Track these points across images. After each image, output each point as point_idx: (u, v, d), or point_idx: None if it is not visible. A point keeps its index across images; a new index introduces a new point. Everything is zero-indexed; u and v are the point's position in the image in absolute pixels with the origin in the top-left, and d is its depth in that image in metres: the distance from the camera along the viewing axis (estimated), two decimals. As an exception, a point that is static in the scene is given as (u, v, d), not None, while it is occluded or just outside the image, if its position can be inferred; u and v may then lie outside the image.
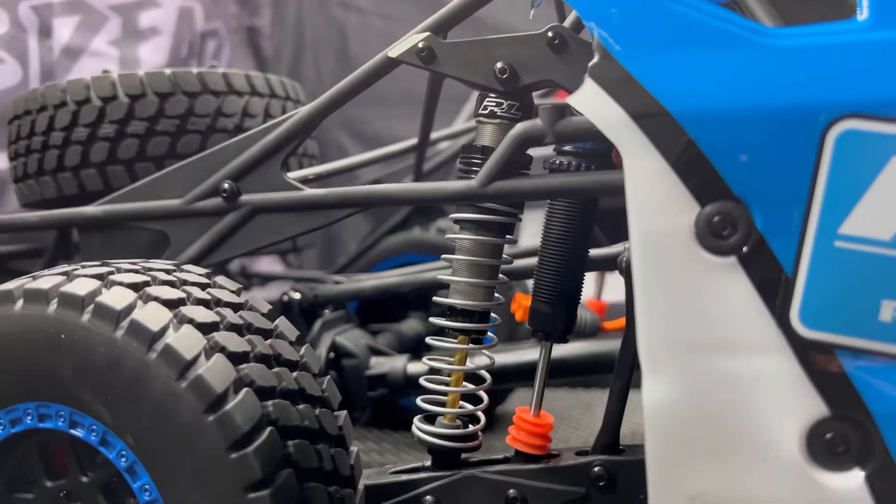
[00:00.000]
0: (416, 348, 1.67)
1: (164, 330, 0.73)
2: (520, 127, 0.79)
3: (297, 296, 1.34)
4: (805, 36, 0.68)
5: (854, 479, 0.66)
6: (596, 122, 0.71)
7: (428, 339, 0.92)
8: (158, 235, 1.06)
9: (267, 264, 2.15)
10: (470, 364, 0.92)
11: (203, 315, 0.76)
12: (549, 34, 0.84)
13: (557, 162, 0.86)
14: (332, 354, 1.30)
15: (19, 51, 1.67)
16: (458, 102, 1.97)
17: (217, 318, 0.77)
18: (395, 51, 0.90)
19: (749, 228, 0.67)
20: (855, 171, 0.64)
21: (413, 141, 1.36)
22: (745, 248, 0.67)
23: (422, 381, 0.93)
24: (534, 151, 0.88)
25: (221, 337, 0.75)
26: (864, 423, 0.66)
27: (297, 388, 0.78)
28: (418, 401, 0.92)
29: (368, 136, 2.47)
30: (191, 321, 0.75)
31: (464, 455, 0.93)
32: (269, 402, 0.74)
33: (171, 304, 0.76)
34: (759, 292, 0.67)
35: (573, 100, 0.72)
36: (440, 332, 0.92)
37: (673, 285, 0.69)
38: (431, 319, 0.92)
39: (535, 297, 0.90)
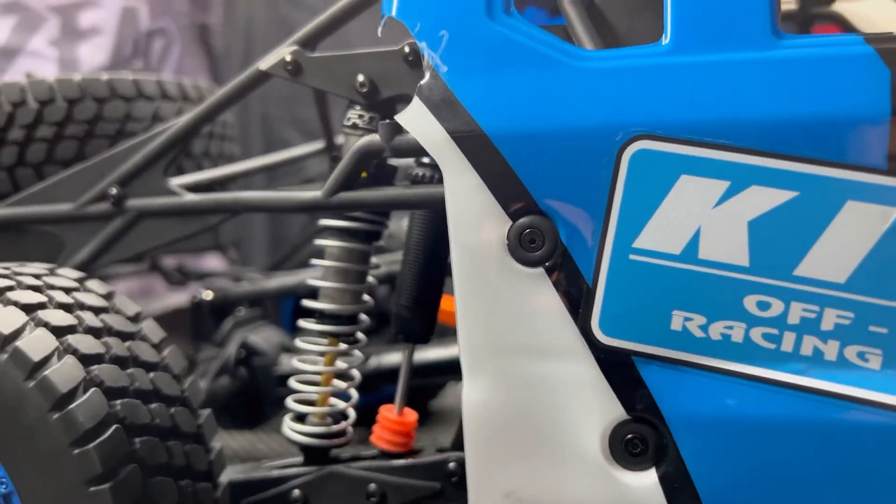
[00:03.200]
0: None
1: (16, 333, 0.77)
2: (361, 141, 0.83)
3: (208, 296, 1.39)
4: (612, 59, 0.72)
5: (650, 478, 0.71)
6: (419, 139, 0.75)
7: (297, 341, 0.97)
8: (58, 239, 1.10)
9: (213, 261, 2.19)
10: (341, 364, 0.97)
11: (60, 318, 0.80)
12: (405, 50, 0.87)
13: (414, 173, 0.90)
14: (242, 352, 1.35)
15: (-46, 52, 1.70)
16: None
17: (74, 322, 0.81)
18: (265, 63, 0.94)
19: (555, 242, 0.71)
20: (648, 188, 0.68)
21: (319, 144, 1.39)
22: (550, 261, 0.71)
23: (291, 381, 0.97)
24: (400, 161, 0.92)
25: (75, 339, 0.79)
26: (659, 425, 0.70)
27: (152, 388, 0.83)
28: (287, 401, 0.96)
29: (317, 134, 2.50)
30: (46, 324, 0.79)
31: (335, 451, 0.97)
32: (119, 402, 0.78)
33: (28, 309, 0.80)
34: (563, 301, 0.71)
35: (401, 117, 0.76)
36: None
37: (488, 294, 0.73)
38: (300, 322, 0.96)
39: (396, 302, 0.94)
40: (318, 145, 1.41)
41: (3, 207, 1.10)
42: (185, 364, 0.90)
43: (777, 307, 0.67)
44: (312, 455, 0.96)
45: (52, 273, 0.89)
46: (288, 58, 0.92)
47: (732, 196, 0.66)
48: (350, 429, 0.97)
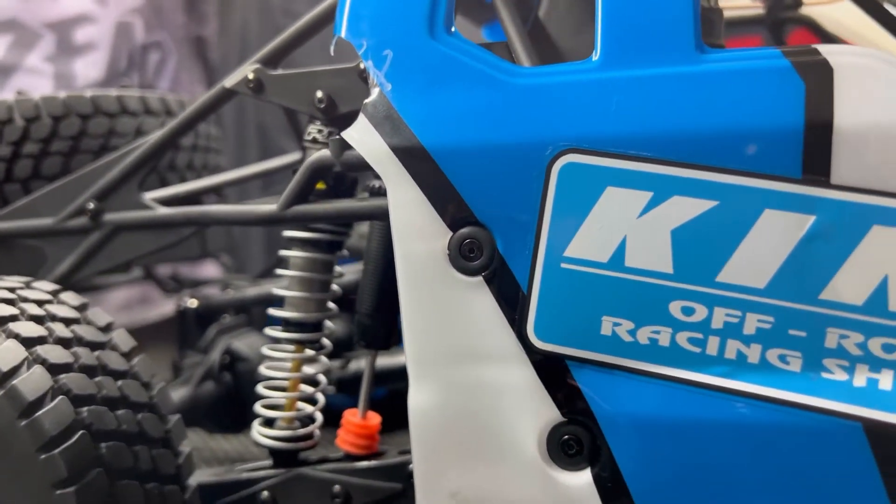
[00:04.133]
0: (336, 348, 1.74)
1: None
2: (313, 157, 0.86)
3: (192, 304, 1.43)
4: (545, 75, 0.75)
5: (585, 478, 0.74)
6: (364, 155, 0.78)
7: (263, 349, 1.00)
8: (41, 252, 1.14)
9: (211, 269, 2.23)
10: (308, 370, 1.00)
11: (30, 330, 0.85)
12: (361, 66, 0.91)
13: (371, 185, 0.93)
14: (227, 358, 1.39)
15: (-49, 71, 1.76)
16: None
17: (45, 333, 0.85)
18: (230, 81, 0.98)
19: (493, 251, 0.74)
20: (576, 199, 0.71)
21: (294, 156, 1.43)
22: (489, 270, 0.74)
23: (259, 388, 1.00)
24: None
25: (44, 350, 0.83)
26: (592, 427, 0.73)
27: (120, 395, 0.86)
28: (256, 406, 1.00)
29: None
30: (16, 336, 0.83)
31: (303, 454, 1.01)
32: (85, 409, 0.82)
33: None
34: (501, 308, 0.75)
35: (347, 134, 0.80)
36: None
37: (431, 302, 0.77)
38: (266, 330, 1.00)
39: (357, 310, 0.98)
40: (290, 158, 1.44)
41: (-11, 222, 1.15)
42: (154, 372, 0.94)
43: (701, 312, 0.69)
44: (281, 458, 0.99)
45: (27, 286, 0.94)
46: (250, 76, 0.96)
47: (655, 206, 0.69)
48: (317, 432, 1.01)
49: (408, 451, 0.98)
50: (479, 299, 0.75)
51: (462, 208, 0.75)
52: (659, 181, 0.69)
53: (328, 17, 0.96)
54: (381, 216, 0.86)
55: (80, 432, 0.80)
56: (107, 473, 0.81)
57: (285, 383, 1.00)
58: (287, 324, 0.98)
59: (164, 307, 2.10)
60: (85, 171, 1.11)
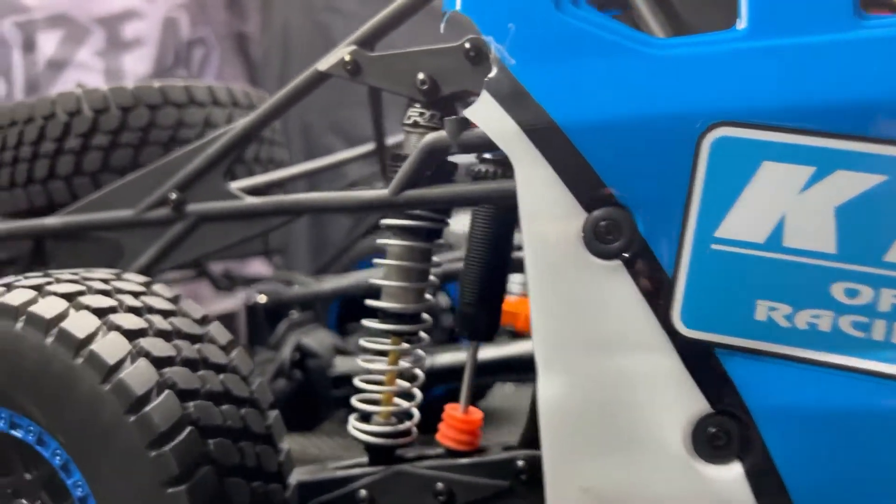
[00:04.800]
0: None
1: (90, 337, 0.78)
2: (428, 138, 0.82)
3: (262, 299, 1.39)
4: (687, 46, 0.70)
5: (734, 471, 0.69)
6: (490, 134, 0.74)
7: (360, 341, 0.96)
8: (117, 245, 1.11)
9: (258, 266, 2.20)
10: (404, 363, 0.96)
11: (131, 322, 0.81)
12: (467, 46, 0.87)
13: (477, 169, 0.89)
14: (297, 355, 1.35)
15: (4, 65, 1.73)
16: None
17: (145, 325, 0.82)
18: (324, 64, 0.94)
19: (633, 233, 0.70)
20: (729, 176, 0.67)
21: (368, 147, 1.40)
22: (628, 252, 0.70)
23: (356, 381, 0.97)
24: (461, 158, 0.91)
25: (147, 343, 0.80)
26: (743, 418, 0.69)
27: (223, 389, 0.83)
28: (353, 400, 0.96)
29: (358, 139, 2.50)
30: (118, 328, 0.79)
31: (400, 451, 0.97)
32: (192, 404, 0.78)
33: (100, 313, 0.81)
34: (642, 294, 0.70)
35: (470, 112, 0.76)
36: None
37: (563, 288, 0.72)
38: (364, 322, 0.96)
39: (460, 300, 0.93)
40: (364, 148, 1.40)
41: (63, 215, 1.11)
42: (252, 366, 0.90)
43: (866, 294, 0.65)
44: (378, 455, 0.95)
45: (119, 278, 0.90)
46: (347, 57, 0.92)
47: (818, 182, 0.65)
48: (415, 428, 0.97)
49: (511, 447, 0.94)
50: (617, 284, 0.71)
51: (599, 187, 0.71)
52: (822, 155, 0.64)
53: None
54: (499, 200, 0.82)
55: (189, 428, 0.76)
56: (215, 471, 0.77)
57: (381, 377, 0.96)
58: (385, 315, 0.94)
59: (217, 304, 2.07)
60: (163, 162, 1.07)
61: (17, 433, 0.81)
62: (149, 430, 0.75)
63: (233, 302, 2.23)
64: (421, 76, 0.88)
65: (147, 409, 0.75)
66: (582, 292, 0.72)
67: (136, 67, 1.96)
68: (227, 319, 2.02)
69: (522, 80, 0.74)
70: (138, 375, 0.77)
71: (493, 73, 0.75)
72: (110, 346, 0.78)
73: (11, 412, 0.81)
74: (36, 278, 0.87)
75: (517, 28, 0.75)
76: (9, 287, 0.84)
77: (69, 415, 0.77)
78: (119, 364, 0.77)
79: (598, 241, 0.71)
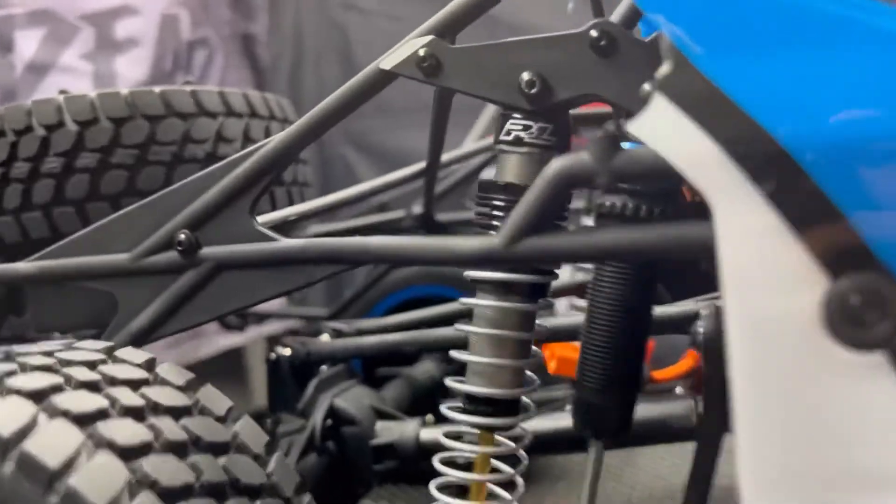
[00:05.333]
0: (431, 395, 1.46)
1: (22, 432, 0.54)
2: (559, 164, 0.57)
3: (286, 352, 1.14)
4: None
5: None
6: (671, 159, 0.49)
7: (440, 436, 0.71)
8: (109, 298, 0.85)
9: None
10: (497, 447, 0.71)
11: (83, 402, 0.57)
12: (593, 33, 0.63)
13: (608, 204, 0.65)
14: (329, 421, 1.10)
15: (-27, 69, 1.48)
16: (470, 113, 1.73)
17: (105, 404, 0.57)
18: (389, 61, 0.70)
19: (907, 313, 0.45)
20: None
21: (420, 165, 1.15)
22: (899, 342, 0.46)
23: (436, 464, 0.72)
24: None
25: (107, 427, 0.55)
26: None
27: (227, 478, 0.58)
28: (432, 489, 0.71)
29: (378, 150, 2.26)
30: (65, 413, 0.55)
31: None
32: None
33: (36, 396, 0.56)
34: (925, 408, 0.46)
35: (635, 126, 0.51)
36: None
37: (791, 393, 0.48)
38: (443, 409, 0.71)
39: (579, 383, 0.69)
40: (413, 168, 1.15)
41: (40, 259, 0.86)
42: (264, 437, 0.66)
43: None
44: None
45: (68, 348, 0.66)
46: (423, 52, 0.67)
47: None
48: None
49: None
50: (878, 389, 0.46)
51: (850, 241, 0.46)
52: None
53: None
54: (688, 252, 0.57)
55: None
56: None
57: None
58: (472, 401, 0.69)
59: (218, 342, 1.82)
60: (170, 191, 0.82)
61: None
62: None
63: (237, 338, 1.98)
64: (526, 76, 0.64)
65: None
66: (821, 401, 0.47)
67: (130, 71, 1.70)
68: (223, 358, 1.77)
69: (717, 78, 0.49)
70: (98, 476, 0.53)
71: (667, 67, 0.51)
72: (51, 440, 0.54)
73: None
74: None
75: (705, 3, 0.51)
76: None
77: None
78: (67, 465, 0.52)
79: (849, 324, 0.46)
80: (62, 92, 1.05)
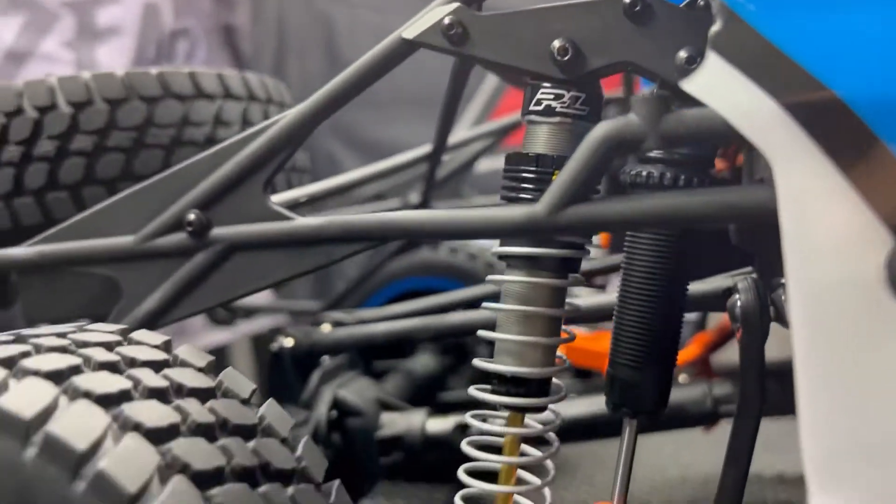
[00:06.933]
0: (430, 388, 1.43)
1: (45, 413, 0.51)
2: (605, 127, 0.55)
3: (288, 343, 1.11)
4: None
5: None
6: (730, 118, 0.48)
7: (467, 417, 0.69)
8: (112, 284, 0.82)
9: (261, 295, 1.91)
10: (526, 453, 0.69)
11: (106, 383, 0.54)
12: (626, -2, 0.61)
13: (644, 173, 0.63)
14: (333, 413, 1.07)
15: (-49, 57, 1.43)
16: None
17: (128, 385, 0.55)
18: (412, 30, 0.67)
19: (979, 272, 0.44)
20: None
21: (425, 149, 1.12)
22: (972, 303, 0.44)
23: (465, 447, 0.69)
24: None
25: (133, 409, 0.52)
26: None
27: (258, 462, 0.56)
28: (461, 474, 0.69)
29: (364, 143, 2.23)
30: (87, 394, 0.52)
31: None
32: (216, 491, 0.51)
33: (56, 377, 0.53)
34: None
35: (691, 85, 0.50)
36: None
37: (855, 359, 0.46)
38: (471, 391, 0.68)
39: (612, 359, 0.67)
40: (421, 150, 1.13)
41: (37, 244, 0.82)
42: (291, 420, 0.64)
43: None
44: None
45: (80, 330, 0.63)
46: (448, 20, 0.65)
47: None
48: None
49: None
50: (948, 353, 0.45)
51: (920, 200, 0.45)
52: None
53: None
54: (739, 218, 0.56)
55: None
56: None
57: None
58: (501, 381, 0.67)
59: (207, 337, 1.77)
60: (172, 172, 0.79)
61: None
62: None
63: (225, 335, 1.94)
64: (558, 43, 0.62)
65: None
66: (887, 367, 0.46)
67: (112, 61, 1.65)
68: (218, 354, 1.73)
69: (772, 34, 0.48)
70: (127, 460, 0.50)
71: (719, 25, 0.50)
72: (76, 422, 0.50)
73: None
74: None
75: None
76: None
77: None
78: (94, 447, 0.49)
79: (917, 286, 0.45)
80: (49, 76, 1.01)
